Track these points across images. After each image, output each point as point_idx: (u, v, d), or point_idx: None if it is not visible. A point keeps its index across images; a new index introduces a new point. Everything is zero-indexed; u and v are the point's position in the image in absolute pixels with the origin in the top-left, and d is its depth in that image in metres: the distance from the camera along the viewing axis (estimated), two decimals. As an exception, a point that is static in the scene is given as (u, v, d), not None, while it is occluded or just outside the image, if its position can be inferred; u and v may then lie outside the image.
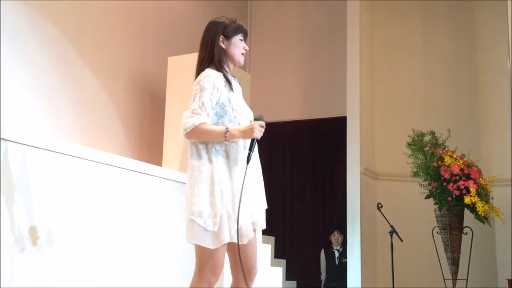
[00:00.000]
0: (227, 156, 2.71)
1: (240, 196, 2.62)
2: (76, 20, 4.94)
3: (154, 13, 5.98)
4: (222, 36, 2.85)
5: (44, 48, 4.57)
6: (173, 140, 5.14)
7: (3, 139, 3.01)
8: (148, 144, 5.67)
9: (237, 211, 2.61)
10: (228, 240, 2.60)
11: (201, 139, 2.70)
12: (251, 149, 2.70)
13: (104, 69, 5.23)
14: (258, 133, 2.68)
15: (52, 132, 4.50)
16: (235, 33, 2.86)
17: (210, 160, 2.69)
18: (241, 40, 2.88)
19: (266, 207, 2.85)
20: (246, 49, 2.91)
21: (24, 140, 3.13)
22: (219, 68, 2.81)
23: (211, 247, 2.61)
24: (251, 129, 2.68)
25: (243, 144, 2.75)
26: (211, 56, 2.83)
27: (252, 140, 2.70)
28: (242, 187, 2.64)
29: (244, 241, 2.64)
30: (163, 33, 6.07)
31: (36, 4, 4.50)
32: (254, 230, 2.78)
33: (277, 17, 7.91)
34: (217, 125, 2.73)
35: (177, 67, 5.31)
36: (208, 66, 2.81)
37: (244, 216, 2.65)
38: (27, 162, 3.15)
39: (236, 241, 2.62)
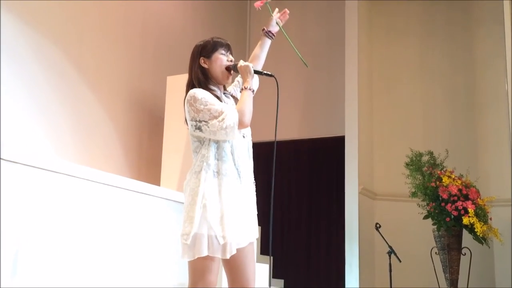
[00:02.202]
0: (217, 170, 2.73)
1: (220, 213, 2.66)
2: (75, 39, 4.96)
3: (153, 32, 6.01)
4: (202, 58, 2.89)
5: (43, 67, 4.59)
6: (172, 159, 5.14)
7: (2, 159, 3.01)
8: (147, 163, 5.67)
9: (225, 226, 2.63)
10: (205, 254, 2.60)
11: (249, 115, 2.78)
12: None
13: (104, 88, 5.25)
14: (250, 65, 2.89)
15: (51, 151, 4.50)
16: (214, 50, 2.89)
17: (199, 175, 2.72)
18: (223, 54, 2.91)
19: (256, 221, 2.89)
20: (231, 60, 2.93)
21: (23, 160, 3.13)
22: (207, 89, 2.84)
23: (185, 259, 2.65)
24: (246, 69, 2.87)
25: (233, 161, 2.78)
26: (197, 81, 2.87)
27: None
28: (223, 206, 2.68)
29: (227, 256, 2.64)
30: (162, 52, 6.11)
31: (36, 23, 4.53)
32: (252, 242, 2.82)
33: (276, 38, 7.90)
34: (209, 142, 2.75)
35: (176, 86, 5.33)
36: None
37: (231, 233, 2.65)
38: (26, 182, 3.15)
39: (219, 256, 2.64)
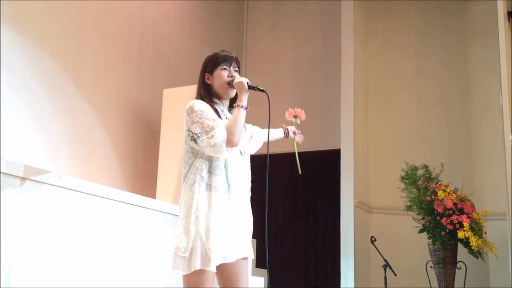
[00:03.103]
0: (209, 183, 2.75)
1: (206, 223, 2.68)
2: (73, 52, 4.98)
3: (150, 45, 6.03)
4: (206, 73, 2.93)
5: (41, 79, 4.60)
6: (168, 172, 5.14)
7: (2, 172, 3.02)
8: (143, 176, 5.67)
9: (210, 239, 2.64)
10: (199, 267, 2.61)
11: (239, 134, 2.75)
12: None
13: (100, 101, 5.26)
14: (243, 80, 2.83)
15: (48, 163, 4.50)
16: (216, 66, 2.91)
17: (193, 188, 2.74)
18: (225, 69, 2.91)
19: (250, 237, 2.91)
20: (232, 76, 2.92)
21: (19, 173, 3.13)
22: (209, 103, 2.88)
23: (183, 272, 2.66)
24: (240, 85, 2.83)
25: (225, 175, 2.79)
26: (200, 94, 2.93)
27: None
28: (210, 215, 2.69)
29: (213, 268, 2.64)
30: (159, 65, 6.12)
31: (34, 36, 4.54)
32: (245, 258, 2.82)
33: (272, 51, 7.99)
34: (202, 155, 2.77)
35: (172, 99, 5.35)
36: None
37: (217, 244, 2.66)
38: (22, 195, 3.15)
39: (208, 268, 2.64)
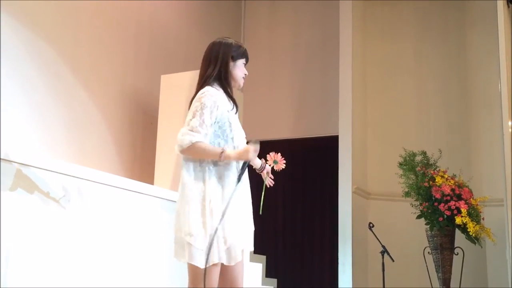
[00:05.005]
0: (220, 176, 2.72)
1: (222, 216, 2.64)
2: (70, 38, 4.95)
3: (147, 31, 6.01)
4: (231, 57, 2.89)
5: (38, 66, 4.58)
6: (165, 158, 5.14)
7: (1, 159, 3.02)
8: (140, 162, 5.67)
9: (225, 231, 2.64)
10: (217, 261, 2.62)
11: (196, 156, 2.72)
12: (242, 169, 2.76)
13: (98, 87, 5.24)
14: (252, 156, 2.74)
15: (46, 150, 4.49)
16: (241, 56, 2.92)
17: (203, 179, 2.71)
18: (244, 64, 2.94)
19: (253, 228, 2.89)
20: (246, 74, 2.96)
21: (17, 158, 3.13)
22: (226, 86, 2.84)
23: (201, 266, 2.62)
24: (245, 152, 2.73)
25: (236, 166, 2.78)
26: (219, 75, 2.86)
27: (244, 163, 2.75)
28: (226, 208, 2.65)
29: (232, 263, 2.64)
30: (156, 51, 6.10)
31: (31, 23, 4.52)
32: (243, 251, 2.81)
33: (270, 38, 7.96)
34: (213, 144, 2.75)
35: (170, 85, 5.33)
36: (211, 83, 2.84)
37: (234, 238, 2.66)
38: (20, 181, 3.15)
39: (224, 262, 2.65)
